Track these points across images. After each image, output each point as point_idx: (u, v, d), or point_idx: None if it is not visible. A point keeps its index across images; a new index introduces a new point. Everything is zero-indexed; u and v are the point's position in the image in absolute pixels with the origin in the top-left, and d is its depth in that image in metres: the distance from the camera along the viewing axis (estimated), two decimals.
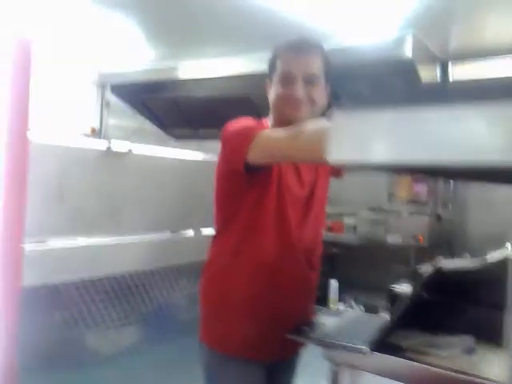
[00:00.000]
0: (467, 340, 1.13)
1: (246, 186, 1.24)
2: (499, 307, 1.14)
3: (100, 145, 2.14)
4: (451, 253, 3.13)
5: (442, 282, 1.25)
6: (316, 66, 1.27)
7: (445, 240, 3.36)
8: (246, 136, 1.16)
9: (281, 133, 1.14)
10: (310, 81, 1.26)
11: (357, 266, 3.66)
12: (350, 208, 3.73)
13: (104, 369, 2.01)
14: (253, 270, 1.27)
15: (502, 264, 1.15)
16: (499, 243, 1.32)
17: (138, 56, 3.22)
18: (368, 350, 1.07)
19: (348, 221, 3.73)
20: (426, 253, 3.17)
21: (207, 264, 1.35)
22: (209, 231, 2.34)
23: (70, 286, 2.03)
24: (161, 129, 4.00)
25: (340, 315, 1.32)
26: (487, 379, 0.96)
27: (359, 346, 1.08)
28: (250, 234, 1.27)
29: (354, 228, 3.67)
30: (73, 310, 2.05)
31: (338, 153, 0.55)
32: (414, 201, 3.59)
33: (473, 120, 0.45)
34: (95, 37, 2.78)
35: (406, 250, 3.34)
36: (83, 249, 2.02)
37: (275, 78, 1.29)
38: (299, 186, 1.32)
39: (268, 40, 1.51)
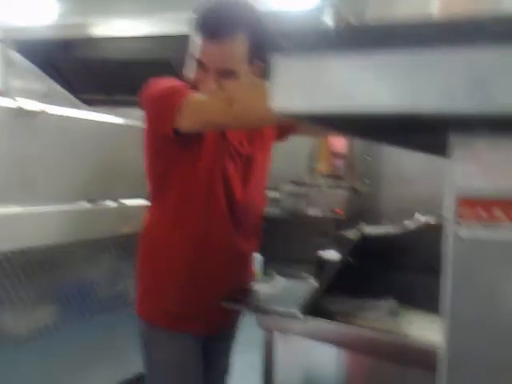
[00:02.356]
0: (392, 303, 1.19)
1: (176, 151, 1.18)
2: (421, 271, 1.22)
3: (9, 103, 1.92)
4: (367, 225, 3.30)
5: (368, 248, 1.31)
6: (233, 58, 1.12)
7: (361, 213, 3.55)
8: (172, 99, 1.07)
9: (213, 98, 1.09)
10: (224, 75, 1.14)
11: (280, 239, 3.75)
12: (273, 182, 3.78)
13: (20, 351, 1.88)
14: (185, 240, 1.24)
15: (423, 230, 1.23)
16: (410, 216, 1.40)
17: (44, 10, 2.94)
18: (301, 314, 1.10)
19: (271, 195, 3.79)
20: (344, 225, 3.32)
21: (141, 235, 1.30)
22: (134, 202, 2.24)
23: None
24: (72, 93, 3.73)
25: (272, 282, 1.33)
26: (411, 338, 1.03)
27: (293, 311, 1.10)
28: (184, 204, 1.23)
29: (277, 202, 3.74)
30: None
31: (282, 101, 0.51)
32: (333, 175, 3.73)
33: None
34: None
35: (325, 222, 3.48)
36: None
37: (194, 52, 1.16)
38: (238, 151, 1.27)
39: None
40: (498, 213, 0.55)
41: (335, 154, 3.73)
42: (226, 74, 1.14)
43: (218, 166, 1.21)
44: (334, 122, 0.58)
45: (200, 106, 1.08)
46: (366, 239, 1.33)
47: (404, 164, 3.40)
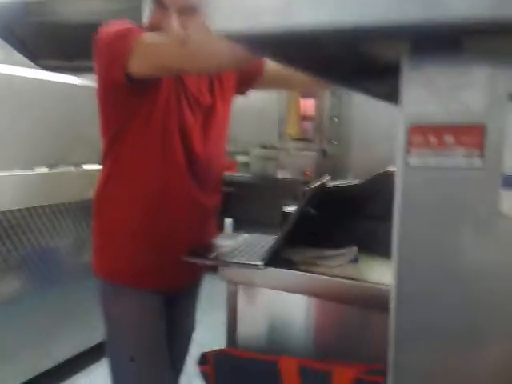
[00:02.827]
0: (353, 250, 1.20)
1: (130, 101, 1.12)
2: (381, 218, 1.23)
3: None
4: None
5: (329, 199, 1.30)
6: None
7: (331, 174, 3.56)
8: (123, 42, 1.00)
9: (167, 39, 1.03)
10: (185, 12, 1.08)
11: (250, 202, 3.75)
12: (243, 146, 3.75)
13: None
14: (142, 195, 1.20)
15: (383, 178, 1.23)
16: None
17: None
18: (263, 265, 1.09)
19: (241, 159, 3.77)
20: None
21: (96, 193, 1.25)
22: (95, 167, 2.17)
23: None
24: (30, 59, 3.56)
25: (235, 238, 1.32)
26: (372, 282, 1.05)
27: (255, 263, 1.10)
28: (139, 158, 1.18)
29: (247, 166, 3.72)
30: None
31: (220, 22, 0.46)
32: (302, 138, 3.72)
33: None
34: None
35: (295, 184, 3.48)
36: None
37: None
38: (197, 99, 1.22)
39: None
40: (448, 139, 0.54)
41: (304, 117, 3.72)
42: (187, 11, 1.08)
43: (176, 115, 1.16)
44: (277, 47, 0.55)
45: (152, 48, 1.02)
46: (327, 190, 1.33)
47: (372, 125, 3.41)
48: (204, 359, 1.09)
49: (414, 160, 0.54)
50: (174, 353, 1.36)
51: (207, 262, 1.15)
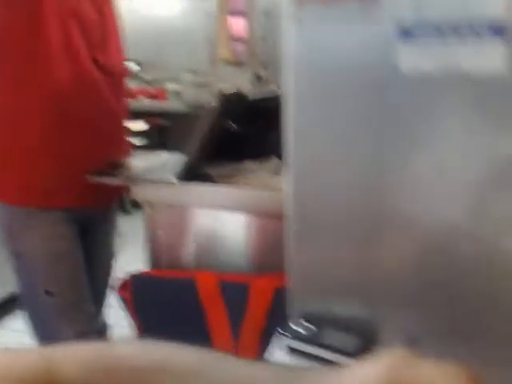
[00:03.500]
0: (274, 162, 1.15)
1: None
2: None
3: None
4: None
5: (249, 111, 1.23)
6: None
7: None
8: None
9: None
10: None
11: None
12: (172, 73, 3.54)
13: None
14: (40, 106, 1.06)
15: None
16: None
17: None
18: (177, 180, 1.02)
19: (171, 87, 3.56)
20: None
21: None
22: None
23: None
24: None
25: (149, 156, 1.23)
26: None
27: (167, 178, 1.02)
28: (31, 65, 1.03)
29: (178, 94, 3.53)
30: None
31: None
32: (234, 61, 3.55)
33: None
34: None
35: None
36: None
37: None
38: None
39: None
40: None
41: (235, 39, 3.53)
42: None
43: (72, 4, 1.04)
44: None
45: None
46: (248, 103, 1.25)
47: None
48: (121, 284, 1.03)
49: (304, 14, 0.46)
50: (94, 285, 1.29)
51: (115, 181, 1.06)
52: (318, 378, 0.35)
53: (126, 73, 1.26)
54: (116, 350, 0.38)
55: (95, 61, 1.11)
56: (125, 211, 3.01)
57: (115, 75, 1.17)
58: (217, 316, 0.93)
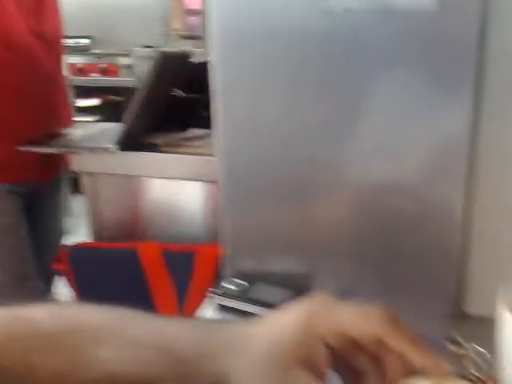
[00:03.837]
0: None
1: None
2: None
3: None
4: None
5: (195, 80, 1.19)
6: None
7: None
8: None
9: None
10: None
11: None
12: (125, 47, 3.41)
13: None
14: None
15: None
16: None
17: None
18: (116, 148, 0.97)
19: (123, 61, 3.44)
20: None
21: None
22: None
23: None
24: None
25: (89, 126, 1.18)
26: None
27: (106, 146, 0.98)
28: None
29: (131, 69, 3.41)
30: None
31: None
32: (189, 36, 3.45)
33: None
34: None
35: None
36: None
37: None
38: None
39: None
40: None
41: (190, 12, 3.43)
42: None
43: None
44: None
45: None
46: (194, 68, 1.21)
47: None
48: (57, 257, 0.98)
49: None
50: (42, 260, 1.24)
51: (48, 150, 1.00)
52: (236, 329, 0.34)
53: (63, 38, 1.20)
54: (26, 314, 0.36)
55: (29, 27, 1.05)
56: (79, 191, 2.92)
57: (51, 41, 1.11)
58: (161, 285, 0.91)
